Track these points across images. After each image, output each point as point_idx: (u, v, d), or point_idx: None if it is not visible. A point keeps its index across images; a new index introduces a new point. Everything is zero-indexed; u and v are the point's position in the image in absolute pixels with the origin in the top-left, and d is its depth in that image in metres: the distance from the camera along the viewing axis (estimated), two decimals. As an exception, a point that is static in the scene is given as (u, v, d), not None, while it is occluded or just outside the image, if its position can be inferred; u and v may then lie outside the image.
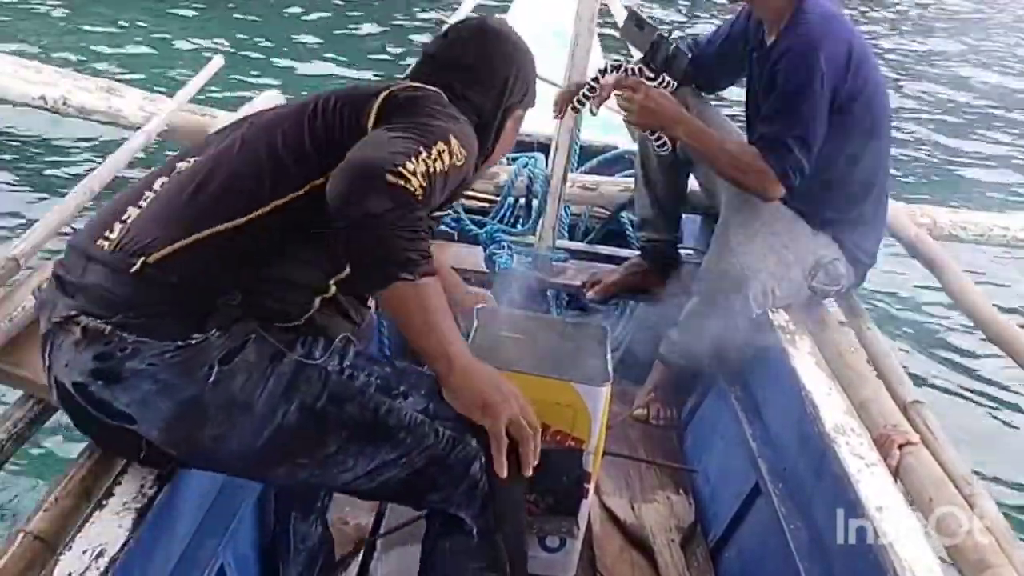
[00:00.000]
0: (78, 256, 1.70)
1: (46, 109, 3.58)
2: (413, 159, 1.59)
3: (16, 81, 3.54)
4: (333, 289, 1.76)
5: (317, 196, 1.62)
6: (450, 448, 1.72)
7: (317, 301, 1.74)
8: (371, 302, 1.95)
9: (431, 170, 1.61)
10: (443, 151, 1.65)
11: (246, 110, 3.58)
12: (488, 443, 1.72)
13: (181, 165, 1.78)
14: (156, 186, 1.75)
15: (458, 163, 1.69)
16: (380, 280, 1.60)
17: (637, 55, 2.79)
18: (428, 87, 1.85)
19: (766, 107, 2.69)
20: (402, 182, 1.56)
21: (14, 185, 5.46)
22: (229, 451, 1.67)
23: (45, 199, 5.08)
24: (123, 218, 1.70)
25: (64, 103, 3.51)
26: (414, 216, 1.58)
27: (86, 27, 7.96)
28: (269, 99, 3.70)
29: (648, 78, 2.72)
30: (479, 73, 1.96)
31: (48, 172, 5.61)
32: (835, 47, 2.59)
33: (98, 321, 1.61)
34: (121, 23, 8.13)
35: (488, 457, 1.73)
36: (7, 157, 5.75)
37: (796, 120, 2.61)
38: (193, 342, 1.60)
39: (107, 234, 1.69)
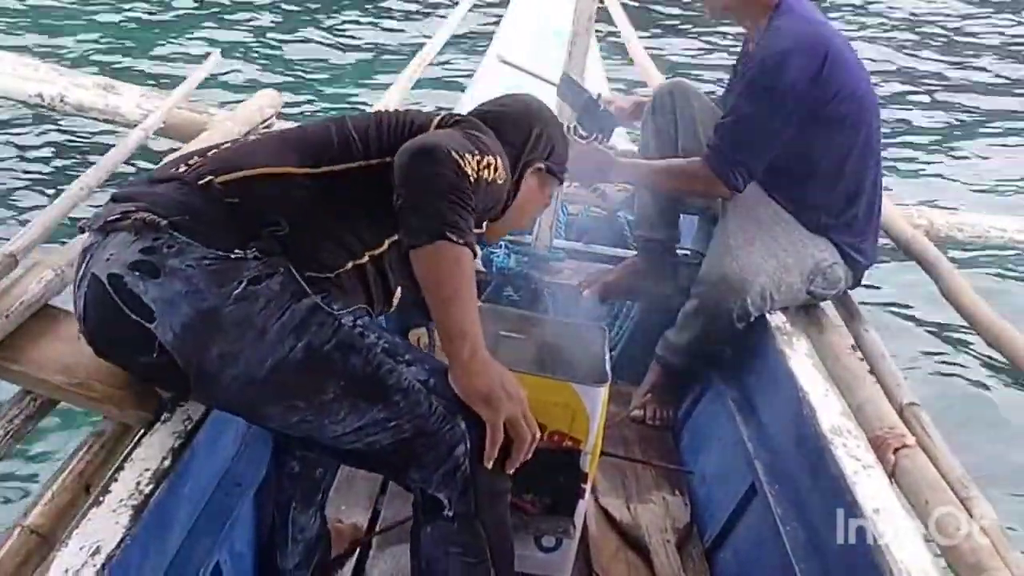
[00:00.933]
0: (139, 183, 1.87)
1: (43, 106, 3.59)
2: (469, 155, 1.75)
3: (13, 79, 3.53)
4: (366, 259, 1.86)
5: (371, 172, 1.85)
6: (439, 424, 1.76)
7: (349, 264, 1.84)
8: (395, 298, 2.00)
9: (480, 173, 1.76)
10: (491, 163, 1.80)
11: (244, 108, 3.58)
12: (478, 431, 1.77)
13: (245, 139, 2.02)
14: (219, 148, 1.94)
15: (499, 180, 1.84)
16: (428, 232, 1.69)
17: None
18: (475, 119, 2.01)
19: (727, 116, 2.75)
20: (462, 162, 1.72)
21: (11, 182, 5.45)
22: (232, 375, 1.71)
23: (42, 196, 5.08)
24: (189, 162, 1.86)
25: (61, 100, 3.51)
26: (468, 190, 1.72)
27: (83, 24, 7.95)
28: (267, 98, 3.70)
29: (581, 136, 2.88)
30: (508, 119, 2.09)
31: (45, 169, 5.61)
32: (808, 51, 2.62)
33: (155, 216, 1.73)
34: (118, 20, 8.12)
35: (474, 443, 1.77)
36: (4, 154, 5.75)
37: (750, 125, 2.68)
38: (232, 256, 1.71)
39: (171, 170, 1.86)
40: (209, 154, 1.89)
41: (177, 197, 1.77)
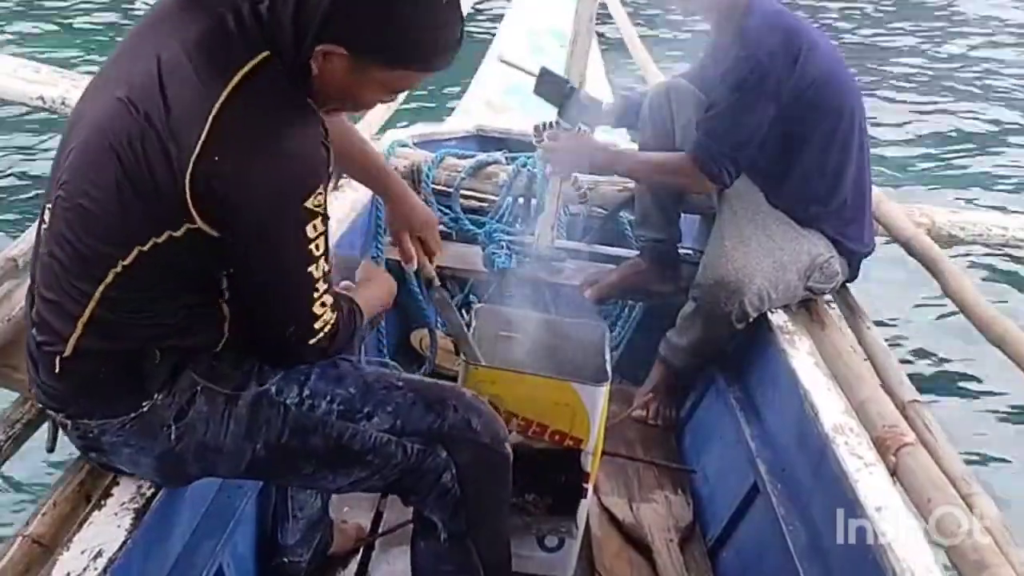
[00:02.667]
0: (29, 338, 1.71)
1: (44, 109, 3.58)
2: (318, 304, 1.64)
3: (15, 81, 3.52)
4: (228, 294, 1.66)
5: (149, 258, 1.55)
6: (419, 460, 1.79)
7: (226, 308, 1.67)
8: None
9: (327, 268, 1.63)
10: (320, 237, 1.58)
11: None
12: (463, 455, 1.81)
13: (46, 214, 1.66)
14: (42, 247, 1.66)
15: (323, 209, 1.58)
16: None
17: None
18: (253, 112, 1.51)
19: (707, 111, 2.76)
20: (323, 339, 1.68)
21: (12, 186, 5.46)
22: (220, 475, 1.86)
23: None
24: (35, 288, 1.69)
25: (63, 103, 3.49)
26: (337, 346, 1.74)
27: (85, 27, 7.96)
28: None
29: (565, 129, 2.89)
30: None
31: (46, 172, 5.58)
32: (783, 42, 2.64)
33: (60, 415, 1.71)
34: (121, 23, 8.12)
35: (460, 466, 1.81)
36: (6, 157, 5.75)
37: (733, 119, 2.68)
38: (144, 409, 1.66)
39: (34, 308, 1.68)
40: (36, 304, 1.67)
41: (55, 387, 1.67)
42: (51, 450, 1.78)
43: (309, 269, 1.59)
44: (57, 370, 1.63)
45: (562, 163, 2.94)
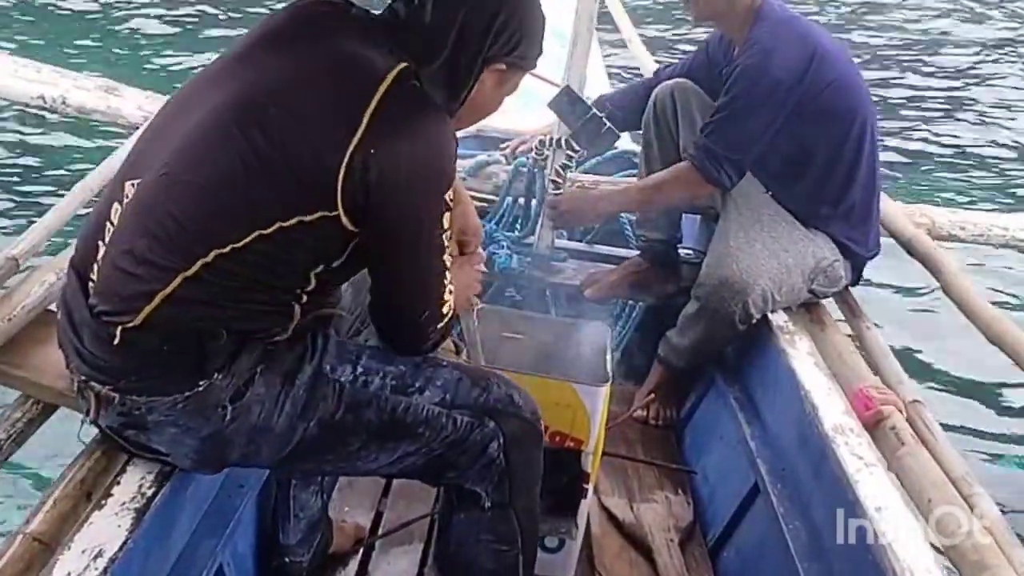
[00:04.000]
0: (72, 309, 1.70)
1: (45, 109, 3.58)
2: (447, 291, 1.76)
3: (15, 80, 3.53)
4: (305, 299, 1.70)
5: (264, 243, 1.60)
6: (468, 432, 1.81)
7: (296, 310, 1.70)
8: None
9: (449, 262, 1.75)
10: (449, 228, 1.72)
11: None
12: (509, 425, 1.84)
13: (128, 188, 1.67)
14: (113, 217, 1.67)
15: (452, 205, 1.73)
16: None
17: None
18: (410, 100, 1.66)
19: (712, 115, 2.76)
20: (445, 327, 1.80)
21: (13, 185, 5.45)
22: (256, 463, 1.84)
23: (44, 199, 5.08)
24: (98, 257, 1.67)
25: (63, 102, 3.50)
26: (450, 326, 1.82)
27: (86, 26, 7.96)
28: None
29: (572, 149, 2.94)
30: (456, 10, 1.71)
31: (47, 172, 5.61)
32: (792, 49, 2.65)
33: (106, 388, 1.67)
34: (121, 23, 8.13)
35: (508, 436, 1.84)
36: (6, 157, 5.75)
37: (738, 123, 2.69)
38: (200, 388, 1.65)
39: (91, 278, 1.67)
40: (106, 241, 1.66)
41: (108, 359, 1.65)
42: (95, 421, 1.74)
43: (444, 257, 1.73)
44: (116, 341, 1.62)
45: (569, 223, 2.99)
